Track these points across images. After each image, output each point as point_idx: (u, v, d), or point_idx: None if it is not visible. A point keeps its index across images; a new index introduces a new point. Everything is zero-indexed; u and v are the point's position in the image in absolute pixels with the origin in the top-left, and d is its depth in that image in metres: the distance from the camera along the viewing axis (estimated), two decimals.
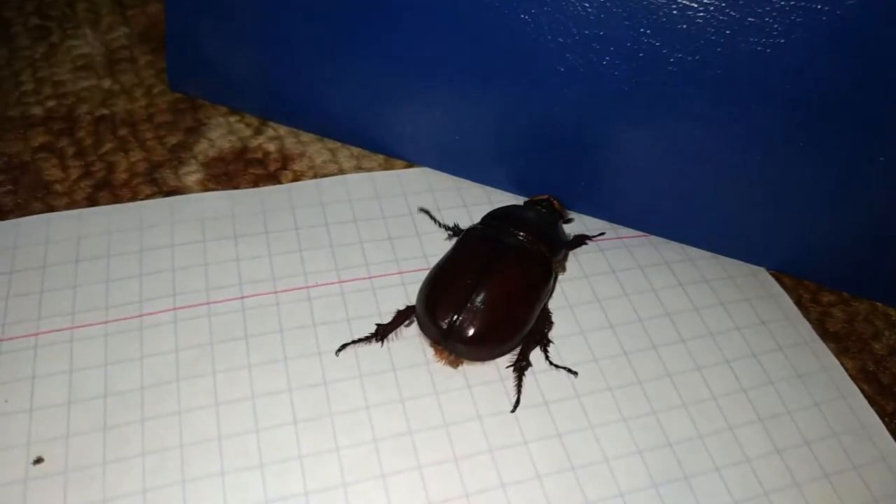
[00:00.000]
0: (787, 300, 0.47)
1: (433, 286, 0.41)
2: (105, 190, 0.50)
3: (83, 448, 0.37)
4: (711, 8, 0.39)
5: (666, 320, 0.45)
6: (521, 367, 0.41)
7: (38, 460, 0.36)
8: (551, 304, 0.45)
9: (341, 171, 0.53)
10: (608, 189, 0.50)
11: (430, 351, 0.41)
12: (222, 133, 0.55)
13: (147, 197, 0.50)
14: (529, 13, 0.43)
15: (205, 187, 0.51)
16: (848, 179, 0.43)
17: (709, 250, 0.50)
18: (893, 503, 0.38)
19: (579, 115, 0.46)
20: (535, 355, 0.42)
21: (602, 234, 0.49)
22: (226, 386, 0.40)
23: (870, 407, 0.42)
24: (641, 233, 0.50)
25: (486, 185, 0.53)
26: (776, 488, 0.38)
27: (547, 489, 0.37)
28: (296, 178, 0.52)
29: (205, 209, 0.49)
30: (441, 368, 0.41)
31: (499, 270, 0.41)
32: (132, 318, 0.42)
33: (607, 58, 0.43)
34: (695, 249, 0.50)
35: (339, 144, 0.55)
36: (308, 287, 0.45)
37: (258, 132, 0.55)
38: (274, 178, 0.52)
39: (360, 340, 0.42)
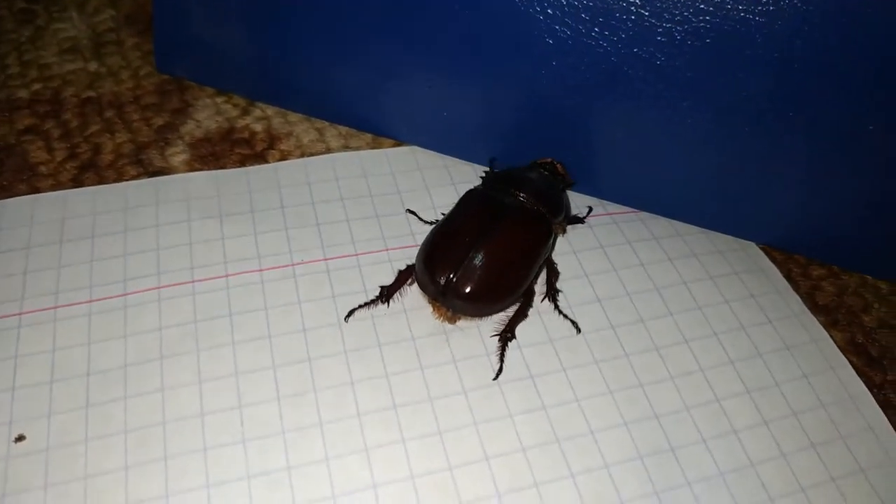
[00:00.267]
0: (776, 274, 0.47)
1: (432, 244, 0.42)
2: (90, 171, 0.50)
3: (65, 426, 0.37)
4: None
5: (654, 294, 0.45)
6: (506, 337, 0.41)
7: (20, 438, 0.36)
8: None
9: (329, 151, 0.53)
10: (597, 165, 0.49)
11: (416, 325, 0.41)
12: (209, 114, 0.55)
13: (133, 178, 0.50)
14: None
15: (191, 168, 0.51)
16: (837, 151, 0.43)
17: (698, 225, 0.49)
18: (880, 472, 0.37)
19: (567, 89, 0.45)
20: (524, 326, 0.42)
21: (590, 209, 0.49)
22: (209, 363, 0.40)
23: (858, 378, 0.41)
24: (630, 209, 0.50)
25: (475, 162, 0.52)
26: (763, 459, 0.38)
27: (531, 461, 0.37)
28: (283, 158, 0.52)
29: (190, 189, 0.49)
30: (426, 343, 0.41)
31: (497, 230, 0.41)
32: (116, 297, 0.42)
33: (596, 29, 0.43)
34: (684, 225, 0.49)
35: (326, 124, 0.55)
36: (293, 265, 0.45)
37: (245, 113, 0.55)
38: (261, 158, 0.52)
39: (366, 304, 0.42)
